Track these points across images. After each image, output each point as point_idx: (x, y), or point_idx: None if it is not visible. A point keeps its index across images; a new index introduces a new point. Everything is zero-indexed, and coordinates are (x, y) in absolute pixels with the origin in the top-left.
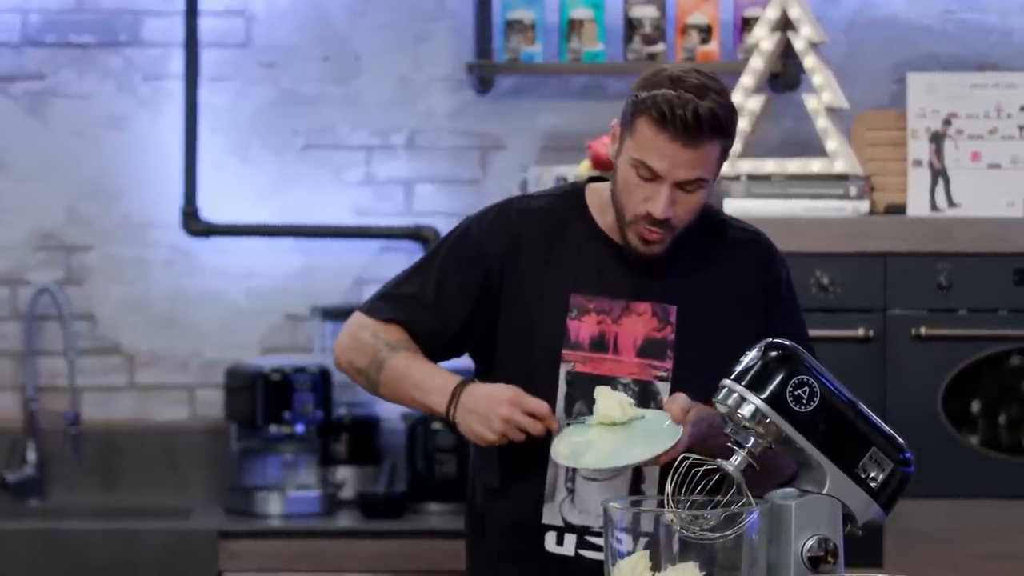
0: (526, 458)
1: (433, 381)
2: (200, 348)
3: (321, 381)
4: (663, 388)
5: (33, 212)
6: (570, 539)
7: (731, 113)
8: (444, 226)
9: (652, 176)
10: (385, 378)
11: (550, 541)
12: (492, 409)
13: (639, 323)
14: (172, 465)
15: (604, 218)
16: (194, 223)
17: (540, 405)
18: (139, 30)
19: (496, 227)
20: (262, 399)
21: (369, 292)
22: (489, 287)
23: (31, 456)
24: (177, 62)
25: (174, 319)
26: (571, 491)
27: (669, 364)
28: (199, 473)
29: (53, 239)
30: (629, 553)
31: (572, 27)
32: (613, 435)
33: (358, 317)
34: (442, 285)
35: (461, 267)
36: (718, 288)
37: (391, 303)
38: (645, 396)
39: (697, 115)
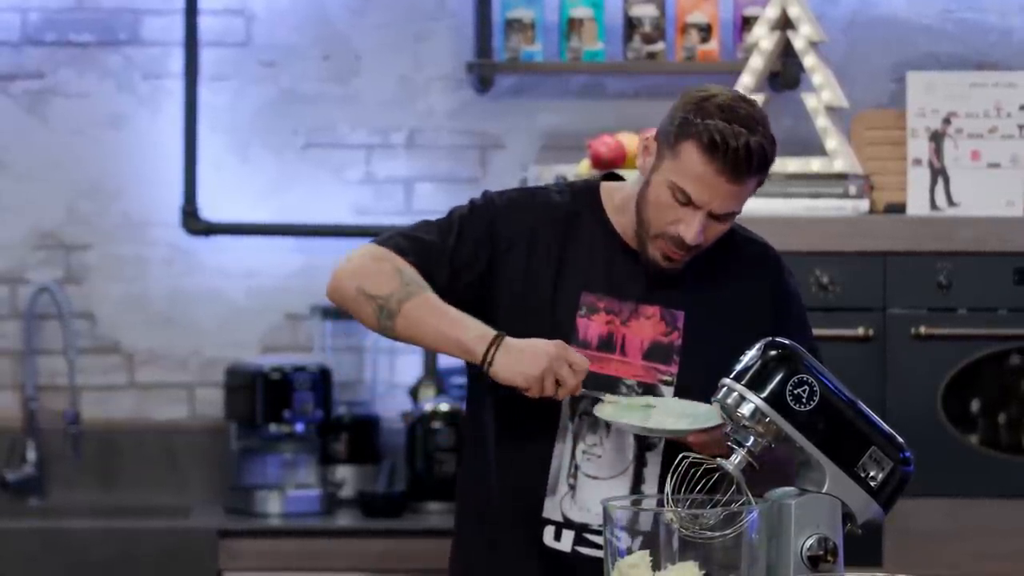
0: (530, 450)
1: (474, 323)
2: (200, 347)
3: (321, 380)
4: (667, 392)
5: (33, 211)
6: (568, 535)
7: (775, 149)
8: None
9: (687, 202)
10: (411, 307)
11: (548, 535)
12: (543, 350)
13: (647, 326)
14: (172, 464)
15: (618, 219)
16: (194, 222)
17: (582, 360)
18: (139, 29)
19: (517, 208)
20: (262, 398)
21: None
22: (493, 264)
23: (31, 455)
24: (177, 61)
25: (174, 318)
26: (572, 487)
27: (674, 369)
28: (199, 472)
29: (53, 238)
30: (629, 551)
31: (572, 26)
32: (654, 409)
33: (373, 248)
34: (460, 241)
35: (477, 234)
36: (727, 297)
37: (411, 243)
38: None
39: (749, 150)
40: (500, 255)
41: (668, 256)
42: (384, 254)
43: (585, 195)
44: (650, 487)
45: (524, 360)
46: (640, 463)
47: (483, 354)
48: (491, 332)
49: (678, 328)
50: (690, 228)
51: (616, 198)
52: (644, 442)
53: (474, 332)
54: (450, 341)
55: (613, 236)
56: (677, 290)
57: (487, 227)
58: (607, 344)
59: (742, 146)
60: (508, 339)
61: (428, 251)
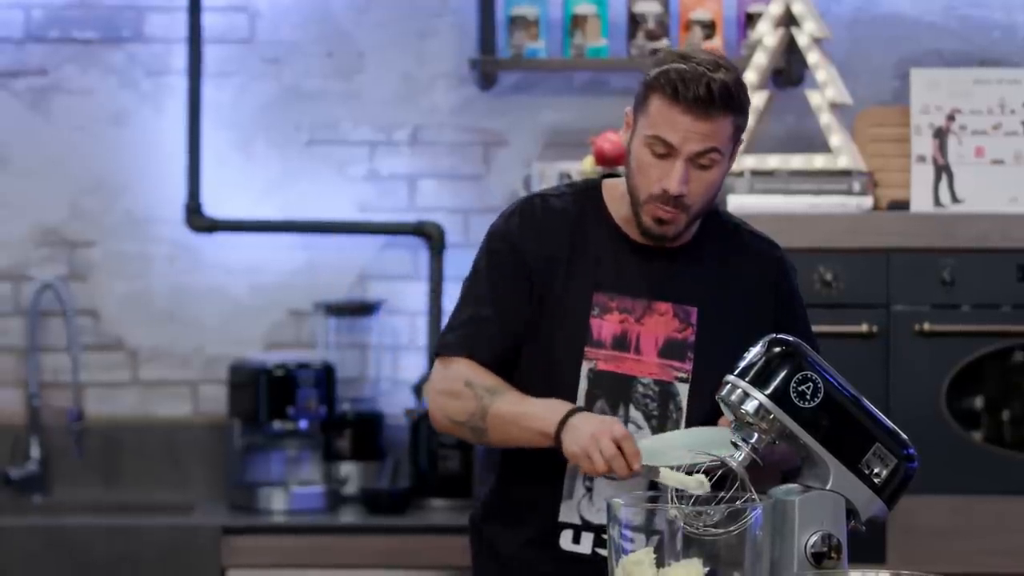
0: (546, 453)
1: (544, 409)
2: (203, 344)
3: (324, 377)
4: (682, 389)
5: (36, 208)
6: (587, 537)
7: (742, 88)
8: (447, 222)
9: (666, 152)
10: (491, 423)
11: (566, 539)
12: (587, 427)
13: (661, 323)
14: (175, 461)
15: (621, 213)
16: (197, 219)
17: (623, 433)
18: (142, 26)
19: (525, 226)
20: (265, 395)
21: (372, 288)
22: (533, 283)
23: (34, 452)
24: (180, 58)
25: (177, 315)
26: (589, 489)
27: (689, 366)
28: (202, 469)
29: (56, 235)
30: (633, 549)
31: (575, 23)
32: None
33: (440, 366)
34: (496, 295)
35: (507, 272)
36: (737, 292)
37: (459, 335)
38: (664, 397)
39: (709, 87)
40: (534, 276)
41: (659, 218)
42: (452, 371)
43: (587, 195)
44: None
45: (571, 439)
46: None
47: (555, 435)
48: (557, 417)
49: (692, 324)
50: (672, 178)
51: (617, 193)
52: None
53: (543, 422)
54: (535, 438)
55: (619, 234)
56: (688, 286)
57: (512, 264)
58: (621, 343)
59: (703, 83)
60: (571, 419)
61: (476, 331)
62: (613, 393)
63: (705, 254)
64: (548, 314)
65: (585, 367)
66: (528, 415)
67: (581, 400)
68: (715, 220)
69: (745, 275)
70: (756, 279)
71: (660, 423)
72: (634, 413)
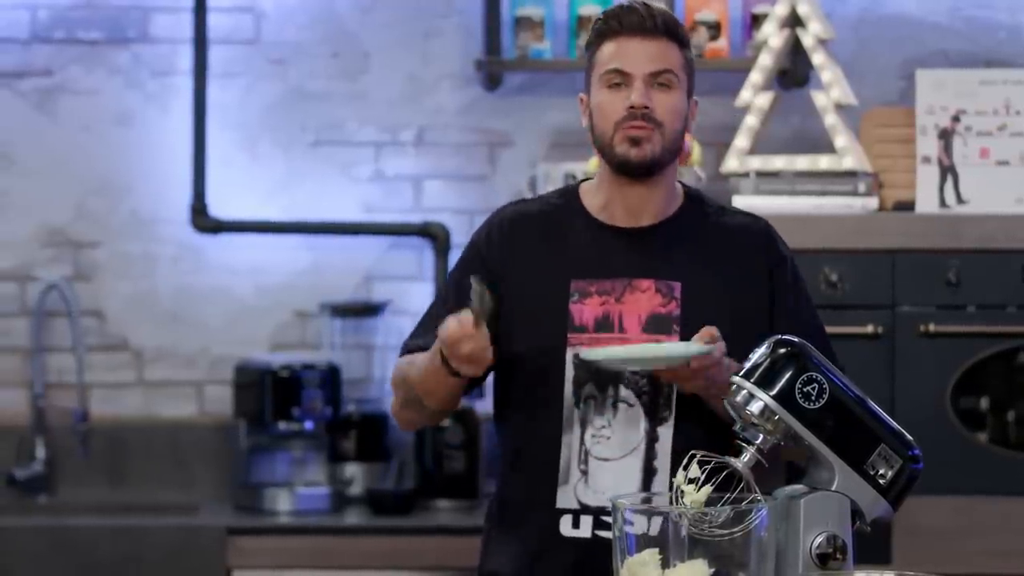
0: (539, 442)
1: (427, 354)
2: (208, 344)
3: (330, 378)
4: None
5: (41, 208)
6: (586, 521)
7: (682, 26)
8: (453, 222)
9: (622, 80)
10: (413, 389)
11: (565, 525)
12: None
13: (643, 299)
14: (180, 462)
15: (597, 204)
16: (203, 219)
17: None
18: (147, 26)
19: (490, 231)
20: (271, 396)
21: (377, 288)
22: (498, 286)
23: (39, 453)
24: (186, 58)
25: (182, 315)
26: (585, 472)
27: (676, 339)
28: (207, 470)
29: (61, 235)
30: (640, 539)
31: (581, 23)
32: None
33: (395, 367)
34: (456, 295)
35: (466, 275)
36: (721, 265)
37: (415, 335)
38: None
39: (651, 13)
40: (501, 282)
41: (633, 137)
42: (396, 370)
43: (564, 194)
44: (663, 462)
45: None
46: (651, 439)
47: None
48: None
49: (675, 298)
50: (634, 93)
51: (592, 187)
52: (656, 416)
53: (432, 353)
54: (436, 372)
55: (596, 222)
56: (670, 262)
57: (471, 267)
58: (604, 325)
59: (643, 10)
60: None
61: (429, 328)
62: (601, 375)
63: (686, 232)
64: (527, 305)
65: (570, 353)
66: (421, 364)
67: (569, 387)
68: (697, 202)
69: (730, 247)
70: (743, 252)
71: (651, 399)
72: (624, 392)
